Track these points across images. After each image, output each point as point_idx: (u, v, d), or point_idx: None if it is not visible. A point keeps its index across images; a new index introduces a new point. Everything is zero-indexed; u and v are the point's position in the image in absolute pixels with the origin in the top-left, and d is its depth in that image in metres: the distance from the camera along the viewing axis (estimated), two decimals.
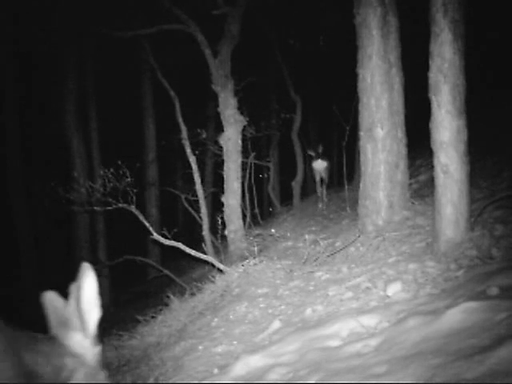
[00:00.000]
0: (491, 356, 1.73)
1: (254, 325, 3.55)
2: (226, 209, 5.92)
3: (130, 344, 4.51)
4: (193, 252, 5.20)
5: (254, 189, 8.45)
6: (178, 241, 5.26)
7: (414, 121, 4.88)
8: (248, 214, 7.29)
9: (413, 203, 4.54)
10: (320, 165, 7.57)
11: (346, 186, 6.63)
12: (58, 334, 1.41)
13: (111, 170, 5.27)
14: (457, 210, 3.37)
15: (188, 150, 6.19)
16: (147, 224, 5.23)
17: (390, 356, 2.17)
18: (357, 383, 2.00)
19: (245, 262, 4.88)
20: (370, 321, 2.74)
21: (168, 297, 5.13)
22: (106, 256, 9.56)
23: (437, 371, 1.82)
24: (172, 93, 6.46)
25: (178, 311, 4.72)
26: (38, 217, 11.64)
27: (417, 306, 2.70)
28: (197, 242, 6.48)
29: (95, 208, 5.66)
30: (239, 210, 5.97)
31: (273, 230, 6.27)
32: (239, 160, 5.96)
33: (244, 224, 6.31)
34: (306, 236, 5.26)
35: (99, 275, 7.01)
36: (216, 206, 7.76)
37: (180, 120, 6.28)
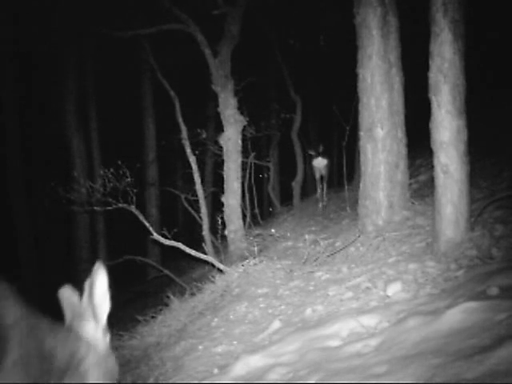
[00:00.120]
0: (491, 356, 1.73)
1: (254, 325, 3.55)
2: (226, 209, 5.92)
3: (129, 344, 4.51)
4: (193, 252, 5.20)
5: (254, 189, 8.45)
6: (178, 241, 5.26)
7: (413, 121, 4.89)
8: (248, 214, 7.29)
9: (413, 203, 4.54)
10: (320, 163, 7.63)
11: (346, 186, 6.63)
12: (73, 324, 1.58)
13: (111, 169, 5.27)
14: (457, 209, 3.37)
15: (188, 150, 6.18)
16: (147, 224, 5.23)
17: (390, 356, 2.17)
18: (357, 383, 2.00)
19: (245, 262, 4.88)
20: (369, 321, 2.74)
21: (168, 297, 5.13)
22: (105, 256, 9.55)
23: (437, 371, 1.82)
24: (172, 93, 6.46)
25: (178, 311, 4.72)
26: (38, 217, 11.64)
27: (417, 306, 2.70)
28: (197, 242, 6.48)
29: (95, 208, 5.66)
30: (239, 210, 5.97)
31: (273, 230, 6.27)
32: (239, 160, 5.96)
33: (244, 224, 6.31)
34: (306, 236, 5.26)
35: None
36: (216, 206, 7.76)
37: (180, 120, 6.28)
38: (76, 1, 7.13)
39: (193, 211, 7.67)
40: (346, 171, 7.15)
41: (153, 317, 4.96)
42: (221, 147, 6.06)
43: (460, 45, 3.37)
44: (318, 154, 7.62)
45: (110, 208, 5.36)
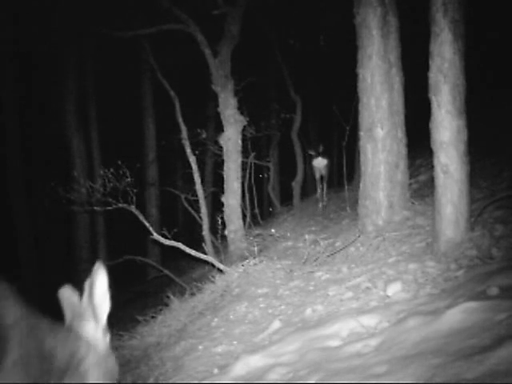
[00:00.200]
0: (491, 356, 1.73)
1: (254, 325, 3.55)
2: (226, 209, 5.92)
3: (129, 344, 4.51)
4: (193, 252, 5.20)
5: (254, 189, 8.45)
6: (178, 241, 5.26)
7: (413, 121, 4.88)
8: (248, 214, 7.30)
9: (413, 203, 4.54)
10: (320, 162, 7.66)
11: (346, 186, 6.64)
12: (73, 324, 1.59)
13: (111, 169, 5.27)
14: (457, 209, 3.37)
15: (188, 150, 6.18)
16: (147, 224, 5.23)
17: (390, 356, 2.17)
18: (357, 383, 2.00)
19: (245, 262, 4.88)
20: (369, 321, 2.74)
21: (168, 297, 5.13)
22: (105, 256, 9.55)
23: (437, 371, 1.82)
24: (172, 93, 6.46)
25: (178, 311, 4.72)
26: (38, 217, 11.64)
27: (417, 306, 2.70)
28: (197, 242, 6.48)
29: (95, 208, 5.66)
30: (239, 210, 5.97)
31: (273, 230, 6.27)
32: (239, 160, 5.96)
33: (244, 224, 6.31)
34: (306, 236, 5.26)
35: None
36: (216, 206, 7.76)
37: (180, 120, 6.28)
38: (76, 1, 7.13)
39: (193, 211, 7.67)
40: (346, 171, 7.15)
41: (153, 317, 4.96)
42: (221, 147, 6.06)
43: (460, 45, 3.37)
44: (318, 154, 7.65)
45: (109, 208, 5.36)
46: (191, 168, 6.15)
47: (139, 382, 3.56)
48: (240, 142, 5.96)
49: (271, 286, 4.21)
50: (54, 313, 1.56)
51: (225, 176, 5.95)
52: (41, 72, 10.80)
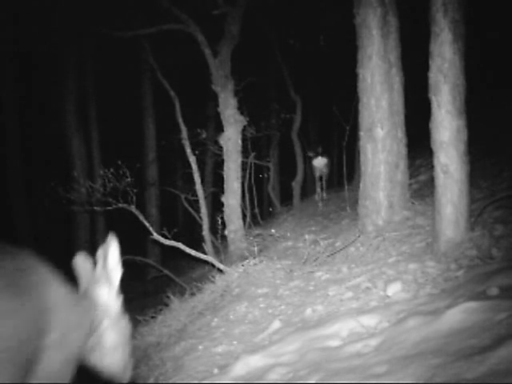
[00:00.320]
0: (491, 356, 1.73)
1: (254, 325, 3.55)
2: (226, 209, 5.92)
3: None
4: (193, 252, 5.20)
5: (254, 189, 8.45)
6: (178, 241, 5.26)
7: (413, 121, 4.88)
8: (248, 214, 7.30)
9: (413, 203, 4.54)
10: (320, 162, 7.73)
11: (346, 186, 6.64)
12: (88, 289, 1.67)
13: (111, 169, 5.27)
14: (457, 209, 3.37)
15: (188, 150, 6.19)
16: (147, 224, 5.23)
17: (390, 356, 2.17)
18: (357, 383, 2.00)
19: (245, 262, 4.88)
20: (369, 321, 2.74)
21: (168, 297, 5.13)
22: None
23: (437, 371, 1.82)
24: (172, 93, 6.46)
25: (178, 311, 4.72)
26: (38, 217, 11.64)
27: (417, 306, 2.70)
28: (197, 242, 6.48)
29: (95, 208, 5.66)
30: (239, 210, 5.97)
31: (273, 230, 6.27)
32: (239, 160, 5.96)
33: (244, 224, 6.31)
34: (306, 236, 5.26)
35: None
36: (216, 206, 7.77)
37: (180, 120, 6.29)
38: (76, 1, 7.13)
39: (193, 211, 7.67)
40: (346, 171, 7.15)
41: (153, 317, 4.96)
42: (221, 147, 6.06)
43: (460, 45, 3.37)
44: (318, 155, 7.73)
45: (110, 208, 5.36)
46: (191, 168, 6.15)
47: (139, 382, 3.56)
48: (240, 142, 5.96)
49: (271, 286, 4.21)
50: None
51: (225, 176, 5.95)
52: (41, 72, 10.80)
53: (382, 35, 4.33)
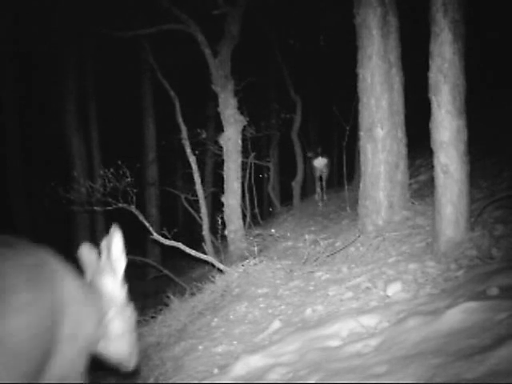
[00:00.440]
0: (491, 356, 1.73)
1: (254, 325, 3.55)
2: (226, 209, 5.92)
3: None
4: (193, 252, 5.20)
5: (254, 189, 8.46)
6: (178, 241, 5.26)
7: (413, 121, 4.89)
8: (248, 214, 7.30)
9: (413, 203, 4.54)
10: (321, 162, 7.77)
11: (346, 186, 6.64)
12: (93, 279, 1.76)
13: (111, 169, 5.27)
14: (457, 209, 3.37)
15: (188, 150, 6.19)
16: (147, 224, 5.23)
17: (390, 356, 2.17)
18: (357, 383, 2.00)
19: (245, 262, 4.88)
20: (369, 321, 2.74)
21: (168, 297, 5.13)
22: None
23: (437, 371, 1.82)
24: (172, 93, 6.46)
25: (178, 311, 4.71)
26: (38, 217, 11.63)
27: (417, 306, 2.70)
28: (197, 242, 6.48)
29: (95, 208, 5.66)
30: (239, 210, 5.97)
31: (273, 230, 6.27)
32: (239, 160, 5.96)
33: (244, 224, 6.31)
34: (306, 236, 5.26)
35: None
36: (216, 206, 7.77)
37: (180, 120, 6.29)
38: (76, 1, 7.13)
39: (193, 211, 7.67)
40: (346, 171, 7.16)
41: (153, 317, 4.95)
42: (221, 147, 6.06)
43: (460, 45, 3.37)
44: (317, 155, 7.78)
45: (110, 208, 5.36)
46: (191, 168, 6.15)
47: (139, 382, 3.56)
48: (240, 142, 5.96)
49: (271, 286, 4.21)
50: None
51: (225, 176, 5.95)
52: (41, 72, 10.80)
53: (382, 35, 4.33)
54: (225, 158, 5.94)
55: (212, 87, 5.94)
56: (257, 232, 6.62)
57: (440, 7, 3.34)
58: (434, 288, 2.97)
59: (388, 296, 3.09)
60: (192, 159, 6.13)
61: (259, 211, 8.58)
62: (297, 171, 9.22)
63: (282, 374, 2.49)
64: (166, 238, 5.30)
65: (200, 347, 3.48)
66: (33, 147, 12.00)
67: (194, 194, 6.57)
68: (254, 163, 8.31)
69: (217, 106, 6.01)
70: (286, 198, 9.71)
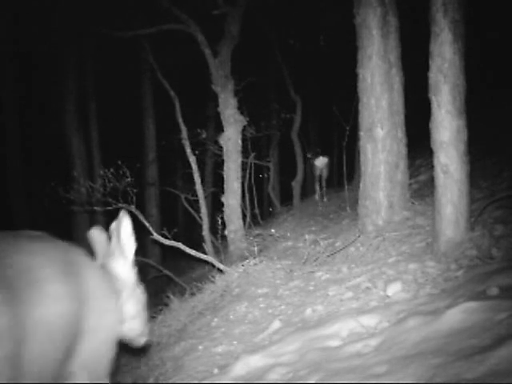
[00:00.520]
0: (491, 356, 1.73)
1: (254, 325, 3.55)
2: (226, 209, 5.92)
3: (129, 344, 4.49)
4: (193, 252, 5.20)
5: (254, 189, 8.46)
6: (178, 241, 5.26)
7: (413, 121, 4.89)
8: (248, 214, 7.30)
9: (413, 203, 4.54)
10: (321, 161, 7.81)
11: (346, 186, 6.64)
12: (104, 262, 1.82)
13: (111, 169, 5.27)
14: (457, 209, 3.37)
15: (188, 150, 6.18)
16: (147, 224, 5.22)
17: (390, 356, 2.17)
18: (357, 383, 2.00)
19: (245, 262, 4.88)
20: (369, 321, 2.74)
21: (168, 297, 5.13)
22: None
23: (437, 371, 1.82)
24: (172, 93, 6.46)
25: (178, 311, 4.71)
26: (38, 217, 11.63)
27: (417, 306, 2.70)
28: (197, 242, 6.48)
29: (95, 208, 5.66)
30: (239, 210, 5.97)
31: (273, 230, 6.27)
32: (239, 160, 5.96)
33: (244, 224, 6.31)
34: (306, 236, 5.26)
35: None
36: (216, 206, 7.77)
37: (180, 120, 6.28)
38: (76, 1, 7.13)
39: (193, 211, 7.67)
40: (346, 171, 7.16)
41: (153, 317, 4.95)
42: (221, 147, 6.06)
43: (460, 45, 3.37)
44: (318, 153, 7.82)
45: (110, 208, 5.35)
46: (191, 168, 6.15)
47: (139, 382, 3.56)
48: (240, 142, 5.96)
49: (271, 286, 4.21)
50: None
51: (225, 176, 5.95)
52: (41, 72, 10.80)
53: (382, 35, 4.33)
54: (225, 158, 5.94)
55: (212, 87, 5.94)
56: (257, 232, 6.62)
57: (440, 7, 3.34)
58: (434, 288, 2.97)
59: (388, 296, 3.09)
60: (192, 159, 6.13)
61: (259, 211, 8.58)
62: (297, 171, 9.23)
63: (282, 373, 2.49)
64: (166, 238, 5.30)
65: (200, 347, 3.48)
66: (33, 147, 12.00)
67: (194, 194, 6.57)
68: (254, 163, 8.31)
69: (217, 105, 6.01)
70: (286, 198, 9.71)
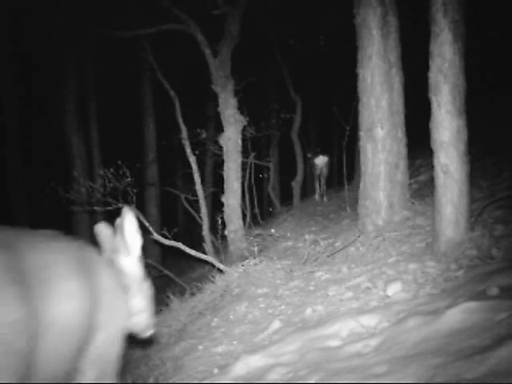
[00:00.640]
0: (491, 356, 1.73)
1: (254, 325, 3.55)
2: (226, 209, 5.92)
3: (129, 344, 4.50)
4: (193, 252, 5.20)
5: (254, 189, 8.46)
6: (178, 241, 5.26)
7: (413, 121, 4.89)
8: (248, 214, 7.30)
9: (413, 203, 4.54)
10: (321, 160, 7.83)
11: (346, 186, 6.64)
12: (111, 258, 1.83)
13: (111, 169, 5.27)
14: (457, 209, 3.37)
15: (188, 150, 6.18)
16: (147, 224, 5.22)
17: (390, 356, 2.17)
18: (357, 383, 2.00)
19: (245, 262, 4.88)
20: (369, 321, 2.74)
21: (168, 297, 5.13)
22: None
23: (437, 371, 1.82)
24: (172, 93, 6.46)
25: (178, 311, 4.71)
26: (38, 217, 11.62)
27: (417, 306, 2.70)
28: (197, 242, 6.48)
29: (95, 208, 5.66)
30: (239, 210, 5.97)
31: (273, 230, 6.27)
32: (239, 160, 5.96)
33: (244, 224, 6.31)
34: (306, 236, 5.26)
35: None
36: (216, 206, 7.77)
37: (180, 120, 6.28)
38: (76, 1, 7.13)
39: (193, 211, 7.67)
40: (346, 171, 7.16)
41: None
42: (221, 147, 6.06)
43: (460, 45, 3.37)
44: (318, 152, 7.85)
45: (110, 208, 5.35)
46: (191, 168, 6.15)
47: (139, 382, 3.56)
48: (240, 142, 5.96)
49: (271, 286, 4.21)
50: None
51: (225, 176, 5.95)
52: (41, 72, 10.79)
53: (382, 35, 4.33)
54: (225, 158, 5.93)
55: (212, 87, 5.94)
56: (257, 232, 6.62)
57: (440, 7, 3.34)
58: (434, 288, 2.97)
59: (388, 296, 3.09)
60: (192, 159, 6.12)
61: (259, 211, 8.58)
62: (297, 171, 9.23)
63: (282, 373, 2.49)
64: (166, 238, 5.30)
65: (200, 347, 3.48)
66: (33, 147, 11.99)
67: (194, 194, 6.57)
68: (254, 163, 8.31)
69: (217, 105, 6.01)
70: (286, 198, 9.71)
